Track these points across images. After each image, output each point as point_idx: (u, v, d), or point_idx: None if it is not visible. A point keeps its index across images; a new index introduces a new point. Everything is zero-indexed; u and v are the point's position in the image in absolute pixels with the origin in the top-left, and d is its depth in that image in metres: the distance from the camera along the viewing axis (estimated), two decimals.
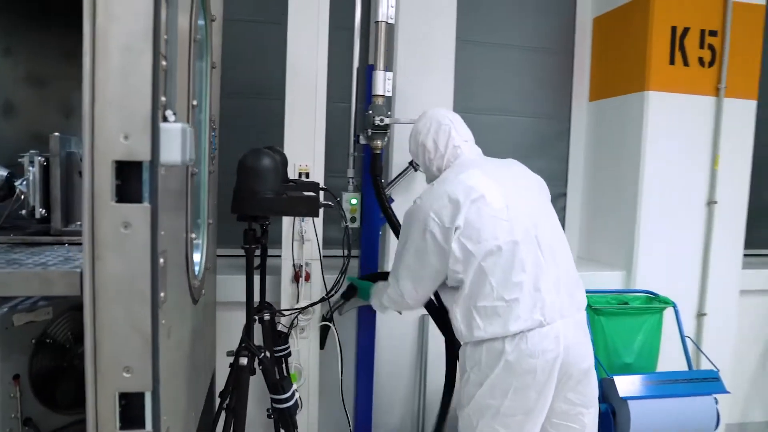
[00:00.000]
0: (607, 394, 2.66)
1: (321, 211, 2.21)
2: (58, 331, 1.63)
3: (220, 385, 2.34)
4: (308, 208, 1.74)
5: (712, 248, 3.41)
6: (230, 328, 2.75)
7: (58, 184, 1.65)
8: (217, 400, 2.24)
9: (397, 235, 2.84)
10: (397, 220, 2.85)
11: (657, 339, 2.94)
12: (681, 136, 3.29)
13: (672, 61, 3.21)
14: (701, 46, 3.24)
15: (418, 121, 2.28)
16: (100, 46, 1.14)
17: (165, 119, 1.23)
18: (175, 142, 1.20)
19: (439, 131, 2.20)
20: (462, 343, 2.05)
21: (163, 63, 1.20)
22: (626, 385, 2.61)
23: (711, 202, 3.39)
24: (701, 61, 3.26)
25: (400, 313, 2.56)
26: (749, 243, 3.57)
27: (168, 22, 1.24)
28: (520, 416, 1.92)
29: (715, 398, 2.70)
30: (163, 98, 1.21)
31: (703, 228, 3.42)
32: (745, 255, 3.57)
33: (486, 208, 1.92)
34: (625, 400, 2.57)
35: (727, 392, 2.72)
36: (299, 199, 1.72)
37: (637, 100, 3.26)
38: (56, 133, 1.65)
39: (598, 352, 2.78)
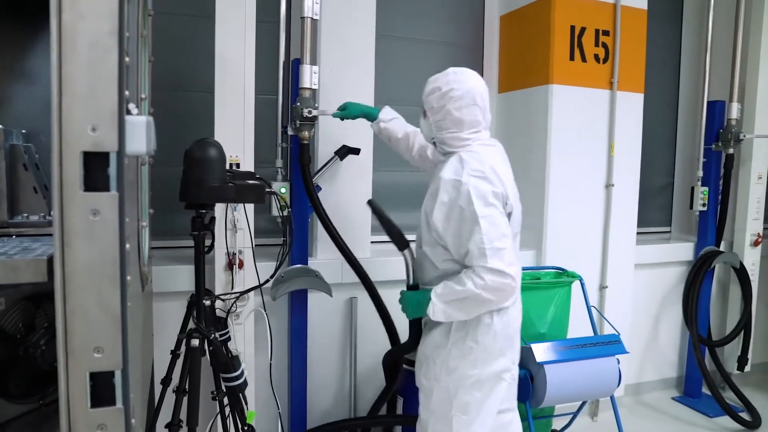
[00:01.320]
0: (525, 360, 2.92)
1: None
2: (9, 321, 1.64)
3: (158, 374, 2.40)
4: (255, 195, 1.85)
5: (610, 227, 3.78)
6: (163, 318, 2.80)
7: (3, 177, 1.66)
8: (158, 388, 2.32)
9: (323, 221, 2.98)
10: (323, 209, 2.98)
11: (567, 309, 3.25)
12: (581, 125, 3.62)
13: (572, 57, 3.53)
14: (596, 44, 3.58)
15: (450, 83, 2.15)
16: (67, 42, 1.20)
17: (128, 112, 1.30)
18: (140, 134, 1.28)
19: (472, 108, 2.14)
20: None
21: (127, 59, 1.27)
22: (542, 351, 2.88)
23: (609, 185, 3.75)
24: (597, 57, 3.60)
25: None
26: (639, 222, 3.98)
27: (128, 19, 1.32)
28: (495, 379, 2.16)
29: (618, 359, 3.03)
30: (126, 92, 1.28)
31: (602, 209, 3.78)
32: (637, 233, 3.98)
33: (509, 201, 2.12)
34: (541, 365, 2.83)
35: (627, 353, 3.07)
36: (247, 186, 1.82)
37: (542, 92, 3.56)
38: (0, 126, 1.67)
39: None
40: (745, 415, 3.88)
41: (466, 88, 2.13)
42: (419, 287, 2.26)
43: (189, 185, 1.80)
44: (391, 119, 2.74)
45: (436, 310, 2.04)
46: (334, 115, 2.82)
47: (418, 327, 2.33)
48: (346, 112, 2.80)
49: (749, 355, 4.23)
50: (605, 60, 3.63)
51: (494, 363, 2.14)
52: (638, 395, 4.27)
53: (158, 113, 2.88)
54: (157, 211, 2.50)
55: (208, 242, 2.09)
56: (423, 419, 2.25)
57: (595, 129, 3.68)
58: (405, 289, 2.29)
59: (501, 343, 2.15)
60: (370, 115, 2.77)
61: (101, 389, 1.36)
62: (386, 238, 3.69)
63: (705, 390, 4.19)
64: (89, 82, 1.23)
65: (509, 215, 2.12)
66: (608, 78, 3.65)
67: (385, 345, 3.36)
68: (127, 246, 1.34)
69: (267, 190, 1.94)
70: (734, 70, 4.01)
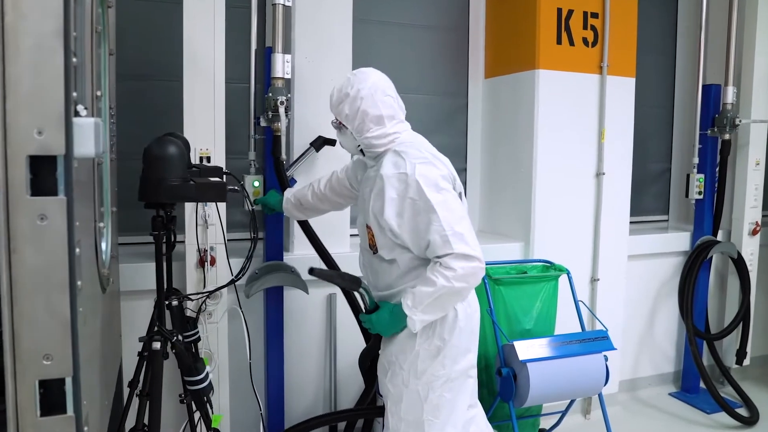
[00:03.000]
0: (508, 358, 2.98)
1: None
2: None
3: (127, 375, 2.46)
4: (216, 194, 1.89)
5: (602, 217, 3.83)
6: (134, 317, 2.84)
7: None
8: (126, 391, 2.37)
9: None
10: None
11: (554, 305, 3.31)
12: (570, 111, 3.66)
13: (559, 41, 3.56)
14: (584, 27, 3.62)
15: (354, 84, 2.21)
16: (10, 44, 1.24)
17: (77, 114, 1.34)
18: (89, 136, 1.32)
19: (385, 100, 2.22)
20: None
21: (74, 59, 1.31)
22: (525, 349, 2.94)
23: (599, 174, 3.80)
24: (585, 41, 3.64)
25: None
26: (633, 210, 4.04)
27: (76, 18, 1.35)
28: (463, 377, 2.23)
29: (605, 356, 3.09)
30: (74, 93, 1.32)
31: (593, 198, 3.83)
32: (633, 222, 4.04)
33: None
34: (524, 363, 2.89)
35: (615, 349, 3.13)
36: (207, 184, 1.87)
37: (529, 78, 3.60)
38: None
39: (500, 320, 3.10)
40: (742, 411, 3.95)
41: (371, 85, 2.20)
42: (375, 300, 2.30)
43: (147, 184, 1.85)
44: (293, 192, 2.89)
45: (415, 322, 2.08)
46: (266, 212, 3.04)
47: None
48: (263, 200, 2.99)
49: (748, 349, 4.30)
50: (594, 43, 3.67)
51: (462, 360, 2.21)
52: (634, 391, 4.35)
53: (126, 104, 2.95)
54: (127, 206, 2.55)
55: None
56: (392, 427, 2.29)
57: (584, 115, 3.73)
58: (364, 312, 2.33)
59: (467, 338, 2.23)
60: (272, 200, 2.95)
61: (52, 397, 1.41)
62: None
63: (703, 385, 4.25)
64: (34, 84, 1.27)
65: (459, 195, 2.18)
66: (597, 62, 3.69)
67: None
68: (77, 251, 1.39)
69: (230, 187, 1.99)
70: (729, 53, 4.05)
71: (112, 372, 2.32)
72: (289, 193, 2.86)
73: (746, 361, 4.32)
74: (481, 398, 3.29)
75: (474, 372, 2.30)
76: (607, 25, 3.65)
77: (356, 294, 2.33)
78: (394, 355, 2.25)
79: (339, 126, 2.27)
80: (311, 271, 2.22)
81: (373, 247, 2.24)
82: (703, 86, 4.14)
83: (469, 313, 2.24)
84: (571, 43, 3.59)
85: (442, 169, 2.11)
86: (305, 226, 3.04)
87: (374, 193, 2.15)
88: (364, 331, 3.07)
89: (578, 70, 3.64)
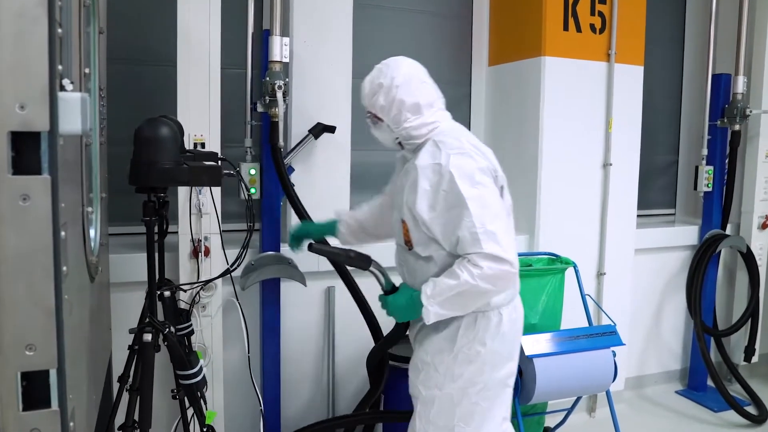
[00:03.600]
0: None
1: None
2: None
3: (117, 370, 2.39)
4: (210, 178, 1.83)
5: (609, 209, 3.78)
6: (125, 310, 2.78)
7: None
8: (116, 386, 2.31)
9: (295, 207, 2.96)
10: (295, 193, 2.96)
11: (560, 298, 3.25)
12: (576, 100, 3.60)
13: (566, 28, 3.50)
14: (592, 13, 3.55)
15: (387, 73, 2.11)
16: None
17: (62, 88, 1.27)
18: (75, 112, 1.26)
19: (422, 87, 2.13)
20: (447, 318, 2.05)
21: (59, 30, 1.24)
22: (531, 344, 2.88)
23: (606, 165, 3.74)
24: (593, 27, 3.57)
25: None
26: (640, 204, 3.98)
27: None
28: (501, 386, 2.13)
29: (613, 351, 3.04)
30: (59, 66, 1.26)
31: (600, 190, 3.77)
32: (639, 216, 3.99)
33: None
34: (530, 358, 2.84)
35: (623, 344, 3.08)
36: (201, 168, 1.81)
37: (534, 65, 3.53)
38: None
39: None
40: (751, 409, 3.91)
41: (405, 72, 2.11)
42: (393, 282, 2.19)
43: (139, 167, 1.79)
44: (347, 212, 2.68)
45: (429, 313, 1.96)
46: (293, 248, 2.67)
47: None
48: (299, 231, 2.67)
49: (757, 345, 4.26)
50: (602, 30, 3.60)
51: (502, 368, 2.12)
52: (640, 389, 4.30)
53: (118, 88, 2.88)
54: (118, 194, 2.49)
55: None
56: (419, 430, 2.18)
57: (591, 104, 3.67)
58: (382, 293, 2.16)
59: (509, 345, 2.13)
60: (330, 227, 2.65)
61: (35, 390, 1.35)
62: None
63: (710, 383, 4.22)
64: (16, 55, 1.20)
65: (501, 190, 2.08)
66: (605, 49, 3.62)
67: (366, 338, 3.37)
68: (63, 234, 1.33)
69: (226, 172, 1.92)
70: (740, 41, 3.99)
71: (101, 366, 2.26)
72: (344, 214, 2.63)
73: (755, 358, 4.29)
74: None
75: (512, 381, 2.19)
76: (615, 11, 3.58)
77: (372, 273, 2.12)
78: (429, 356, 2.13)
79: (374, 119, 2.14)
80: (310, 246, 2.10)
81: (408, 243, 2.11)
82: (713, 76, 4.09)
83: (514, 318, 2.14)
84: (578, 29, 3.53)
85: (480, 162, 1.98)
86: (301, 216, 2.96)
87: (408, 184, 2.05)
88: (372, 327, 3.00)
89: (585, 57, 3.58)
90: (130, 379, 2.13)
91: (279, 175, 2.88)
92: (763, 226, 4.28)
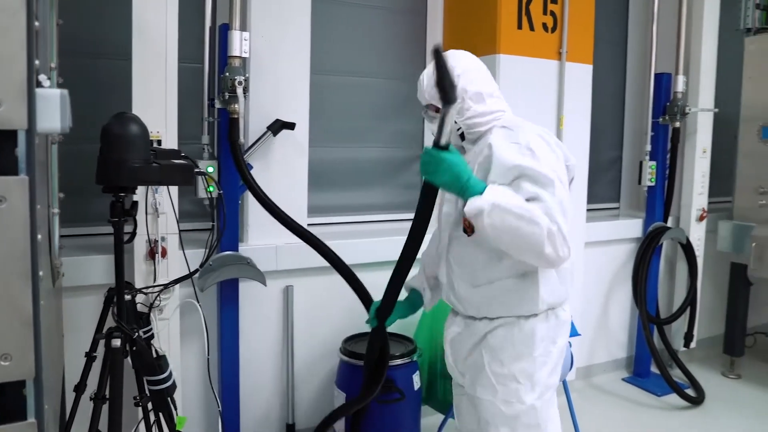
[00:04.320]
0: None
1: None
2: None
3: (69, 380, 2.29)
4: (183, 177, 1.78)
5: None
6: (74, 316, 2.67)
7: None
8: (72, 395, 2.21)
9: (261, 201, 2.91)
10: (260, 188, 2.92)
11: None
12: (530, 97, 3.67)
13: (519, 26, 3.56)
14: (544, 12, 3.63)
15: (459, 62, 2.02)
16: None
17: (39, 84, 1.22)
18: (54, 109, 1.20)
19: (482, 77, 2.05)
20: (518, 317, 1.95)
21: (36, 23, 1.19)
22: None
23: None
24: (545, 26, 3.65)
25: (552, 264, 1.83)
26: (589, 198, 4.10)
27: None
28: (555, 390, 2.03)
29: (569, 342, 3.12)
30: (36, 62, 1.20)
31: None
32: (586, 210, 4.11)
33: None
34: None
35: (579, 335, 3.17)
36: (173, 167, 1.75)
37: (489, 62, 3.57)
38: None
39: None
40: (690, 392, 4.10)
41: (465, 63, 2.05)
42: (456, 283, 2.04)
43: (107, 166, 1.71)
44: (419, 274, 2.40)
45: (480, 201, 1.69)
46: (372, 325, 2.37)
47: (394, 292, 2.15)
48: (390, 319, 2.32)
49: (695, 332, 4.46)
50: (554, 29, 3.68)
51: (559, 368, 2.02)
52: (589, 378, 4.44)
53: (68, 83, 2.75)
54: (67, 194, 2.38)
55: (129, 229, 1.99)
56: None
57: (543, 101, 3.75)
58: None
59: (565, 343, 2.04)
60: (414, 302, 2.42)
61: (9, 402, 1.29)
62: (326, 220, 3.71)
63: (653, 369, 4.39)
64: None
65: (570, 181, 1.98)
66: (557, 48, 3.71)
67: (325, 335, 3.35)
68: (39, 237, 1.27)
69: (196, 170, 1.87)
70: (679, 42, 4.17)
71: (57, 376, 2.17)
72: (417, 280, 2.38)
73: (693, 344, 4.48)
74: (442, 390, 3.32)
75: None
76: (566, 11, 3.67)
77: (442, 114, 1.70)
78: (506, 366, 1.94)
79: (434, 112, 2.03)
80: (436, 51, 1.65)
81: (470, 228, 1.82)
82: (655, 75, 4.25)
83: (569, 312, 2.08)
84: (531, 28, 3.60)
85: (556, 151, 1.88)
86: (272, 209, 2.91)
87: (477, 163, 1.90)
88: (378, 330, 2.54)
89: (538, 55, 3.65)
90: (93, 388, 2.04)
91: (241, 173, 2.82)
92: (701, 219, 4.48)
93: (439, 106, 1.76)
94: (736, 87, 4.41)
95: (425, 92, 2.05)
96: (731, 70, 4.52)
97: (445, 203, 2.10)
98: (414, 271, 2.20)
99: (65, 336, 2.57)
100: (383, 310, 2.24)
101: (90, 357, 2.19)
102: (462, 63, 2.03)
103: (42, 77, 1.22)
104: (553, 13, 3.66)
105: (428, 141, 4.06)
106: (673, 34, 4.21)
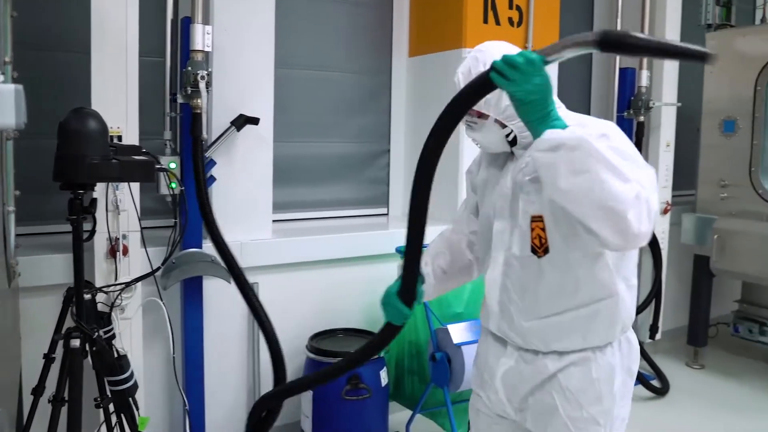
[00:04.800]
0: (441, 343, 3.00)
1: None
2: None
3: (27, 382, 2.25)
4: (144, 173, 1.76)
5: None
6: (31, 317, 2.62)
7: None
8: (30, 398, 2.18)
9: (201, 203, 2.85)
10: (207, 193, 2.87)
11: (483, 286, 3.35)
12: None
13: (486, 20, 3.60)
14: (510, 7, 3.69)
15: (487, 60, 1.64)
16: None
17: None
18: (8, 104, 1.18)
19: None
20: (593, 349, 1.71)
21: None
22: (459, 332, 2.96)
23: None
24: (510, 21, 3.70)
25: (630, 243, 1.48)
26: None
27: None
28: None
29: None
30: None
31: None
32: None
33: None
34: (458, 346, 2.92)
35: None
36: (134, 163, 1.73)
37: (455, 57, 3.61)
38: None
39: (431, 304, 3.11)
40: (655, 382, 4.20)
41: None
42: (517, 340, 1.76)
43: (65, 162, 1.69)
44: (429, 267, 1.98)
45: (569, 135, 1.43)
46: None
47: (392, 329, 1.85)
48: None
49: (660, 323, 4.56)
50: (519, 23, 3.73)
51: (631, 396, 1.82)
52: None
53: (24, 77, 2.69)
54: (24, 191, 2.34)
55: (88, 227, 1.97)
56: None
57: None
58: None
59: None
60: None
61: None
62: (291, 216, 3.71)
63: None
64: None
65: None
66: (522, 42, 3.76)
67: (292, 332, 3.34)
68: None
69: (157, 166, 1.85)
70: None
71: (14, 378, 2.13)
72: (425, 268, 1.94)
73: (658, 335, 4.59)
74: (410, 386, 3.35)
75: None
76: (531, 5, 3.72)
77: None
78: (585, 409, 1.71)
79: (476, 118, 1.75)
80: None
81: (541, 248, 1.65)
82: (620, 69, 4.33)
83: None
84: (497, 22, 3.64)
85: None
86: (205, 214, 2.87)
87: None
88: (271, 344, 2.56)
89: None
90: (51, 390, 2.02)
91: (195, 171, 2.78)
92: (665, 212, 4.57)
93: (481, 110, 1.69)
94: (699, 82, 4.51)
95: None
96: (694, 65, 4.62)
97: (496, 219, 1.78)
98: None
99: (23, 338, 2.53)
100: (407, 294, 1.81)
101: (48, 359, 2.16)
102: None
103: None
104: (519, 8, 3.71)
105: (395, 135, 4.09)
106: (637, 29, 4.29)
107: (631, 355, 1.77)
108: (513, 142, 1.75)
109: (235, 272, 2.83)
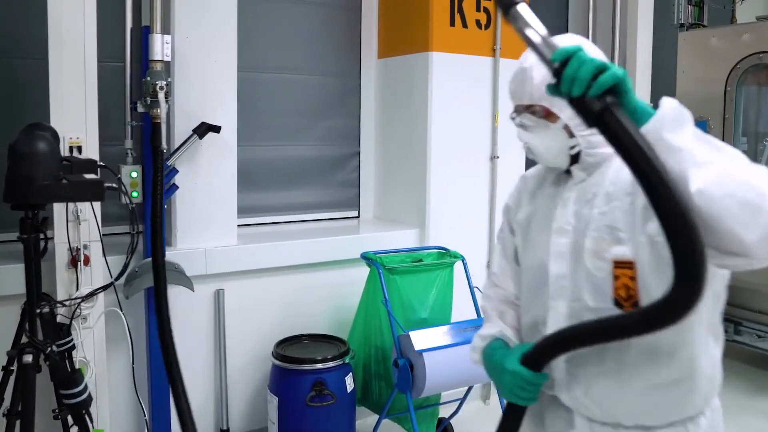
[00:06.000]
0: (404, 349, 3.12)
1: None
2: None
3: None
4: (93, 193, 1.87)
5: (496, 202, 4.04)
6: None
7: None
8: None
9: (153, 215, 2.84)
10: (161, 205, 2.87)
11: (449, 292, 3.48)
12: (464, 94, 3.84)
13: (452, 23, 3.71)
14: (477, 9, 3.80)
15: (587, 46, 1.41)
16: None
17: None
18: None
19: None
20: (684, 420, 1.48)
21: None
22: (421, 339, 3.08)
23: (494, 157, 4.01)
24: (478, 23, 3.81)
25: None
26: None
27: None
28: None
29: None
30: None
31: (488, 183, 4.04)
32: None
33: None
34: (420, 353, 3.04)
35: None
36: (82, 183, 1.84)
37: (422, 60, 3.72)
38: None
39: (395, 310, 3.23)
40: None
41: (594, 52, 1.38)
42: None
43: (15, 184, 1.80)
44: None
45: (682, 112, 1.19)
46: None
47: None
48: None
49: None
50: (487, 26, 3.85)
51: None
52: None
53: None
54: None
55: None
56: None
57: (478, 98, 3.91)
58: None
59: None
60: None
61: None
62: (261, 220, 3.81)
63: None
64: None
65: None
66: (491, 45, 3.87)
67: (259, 340, 3.44)
68: None
69: (107, 185, 1.96)
70: (614, 37, 4.40)
71: None
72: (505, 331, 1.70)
73: None
74: (377, 391, 3.47)
75: None
76: None
77: None
78: None
79: (541, 117, 1.50)
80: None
81: (629, 300, 1.40)
82: None
83: None
84: (464, 25, 3.75)
85: None
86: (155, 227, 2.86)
87: (605, 194, 1.46)
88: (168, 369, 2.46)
89: (471, 52, 3.81)
90: (5, 403, 2.12)
91: (154, 183, 2.84)
92: None
93: (552, 108, 1.46)
94: (672, 81, 4.65)
95: (528, 86, 1.50)
96: (668, 64, 4.75)
97: (552, 260, 1.54)
98: None
99: None
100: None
101: (7, 371, 2.25)
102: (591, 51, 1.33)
103: None
104: (486, 10, 3.82)
105: (364, 137, 4.20)
106: (608, 28, 4.41)
107: (719, 422, 1.55)
108: (574, 159, 1.53)
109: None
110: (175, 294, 3.22)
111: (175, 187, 3.12)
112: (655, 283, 1.35)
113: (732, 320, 4.70)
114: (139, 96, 2.96)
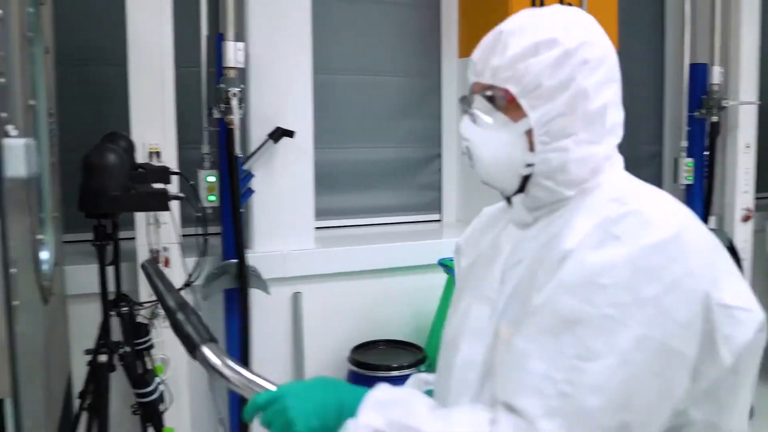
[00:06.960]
0: None
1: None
2: None
3: (77, 385, 2.57)
4: (157, 203, 2.01)
5: None
6: (84, 322, 2.92)
7: None
8: (77, 402, 2.50)
9: (236, 227, 3.09)
10: (239, 210, 3.10)
11: None
12: None
13: None
14: (561, 2, 3.71)
15: (572, 34, 1.14)
16: None
17: (6, 134, 1.45)
18: (19, 157, 1.44)
19: (613, 88, 1.19)
20: None
21: (2, 80, 1.42)
22: None
23: None
24: None
25: None
26: None
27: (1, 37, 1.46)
28: None
29: None
30: (3, 114, 1.43)
31: None
32: None
33: None
34: None
35: None
36: (148, 194, 1.99)
37: None
38: None
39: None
40: None
41: (603, 47, 1.17)
42: None
43: (87, 194, 1.96)
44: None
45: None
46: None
47: None
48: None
49: None
50: None
51: None
52: None
53: (69, 91, 3.03)
54: (73, 202, 2.63)
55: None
56: None
57: None
58: None
59: None
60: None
61: None
62: (339, 222, 3.90)
63: None
64: None
65: None
66: None
67: (337, 344, 3.50)
68: (14, 271, 1.51)
69: (172, 194, 2.09)
70: (714, 30, 4.16)
71: (59, 385, 2.44)
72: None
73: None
74: None
75: None
76: None
77: None
78: None
79: (501, 107, 1.17)
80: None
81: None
82: (691, 65, 4.25)
83: None
84: None
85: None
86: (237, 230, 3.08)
87: (534, 260, 1.14)
88: None
89: None
90: (88, 397, 2.31)
91: (231, 189, 3.01)
92: (746, 219, 4.46)
93: (508, 88, 1.14)
94: None
95: (504, 62, 1.15)
96: None
97: (476, 302, 1.25)
98: None
99: (74, 343, 2.85)
100: None
101: (93, 366, 2.45)
102: (600, 45, 1.17)
103: (9, 127, 1.46)
104: (570, 4, 3.74)
105: (446, 139, 4.21)
106: (709, 20, 4.20)
107: None
108: (524, 185, 1.18)
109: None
110: (255, 296, 3.33)
111: (250, 191, 3.25)
112: None
113: None
114: (215, 102, 3.10)
